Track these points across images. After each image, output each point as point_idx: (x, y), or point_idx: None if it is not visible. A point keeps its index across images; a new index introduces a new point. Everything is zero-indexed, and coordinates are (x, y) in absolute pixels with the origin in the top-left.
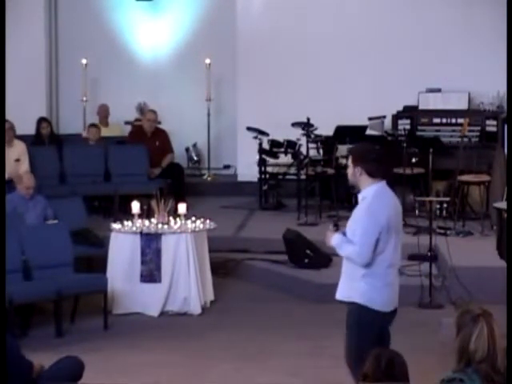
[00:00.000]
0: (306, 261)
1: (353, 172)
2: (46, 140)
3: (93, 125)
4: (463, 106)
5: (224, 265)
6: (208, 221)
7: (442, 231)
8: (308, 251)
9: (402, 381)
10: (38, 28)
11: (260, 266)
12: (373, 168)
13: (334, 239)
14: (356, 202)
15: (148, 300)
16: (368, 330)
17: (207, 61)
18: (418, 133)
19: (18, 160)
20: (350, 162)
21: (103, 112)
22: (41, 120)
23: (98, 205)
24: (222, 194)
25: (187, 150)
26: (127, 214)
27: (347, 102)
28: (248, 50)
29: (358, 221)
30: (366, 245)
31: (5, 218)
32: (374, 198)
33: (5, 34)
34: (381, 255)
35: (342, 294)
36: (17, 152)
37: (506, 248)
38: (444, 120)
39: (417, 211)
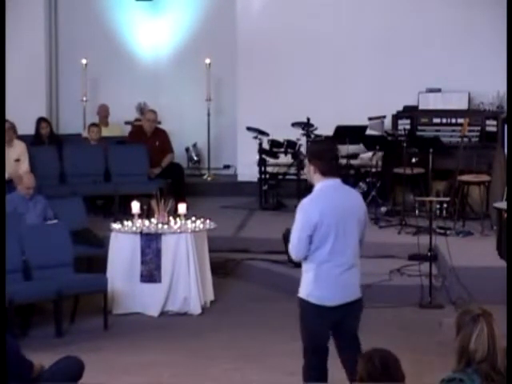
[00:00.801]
0: None
1: (308, 169)
2: (46, 140)
3: (94, 124)
4: (463, 106)
5: (224, 265)
6: (208, 221)
7: (442, 231)
8: None
9: (398, 377)
10: (38, 28)
11: (260, 266)
12: (325, 166)
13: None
14: None
15: (148, 300)
16: (309, 323)
17: (207, 61)
18: (418, 133)
19: (18, 160)
20: (306, 160)
21: (103, 112)
22: (40, 120)
23: (99, 205)
24: (221, 194)
25: (187, 150)
26: (127, 214)
27: (347, 102)
28: (248, 50)
29: (296, 217)
30: (297, 239)
31: (5, 218)
32: (313, 194)
33: (5, 34)
34: (318, 251)
35: (299, 292)
36: (17, 152)
37: (506, 248)
38: (444, 120)
39: (417, 211)
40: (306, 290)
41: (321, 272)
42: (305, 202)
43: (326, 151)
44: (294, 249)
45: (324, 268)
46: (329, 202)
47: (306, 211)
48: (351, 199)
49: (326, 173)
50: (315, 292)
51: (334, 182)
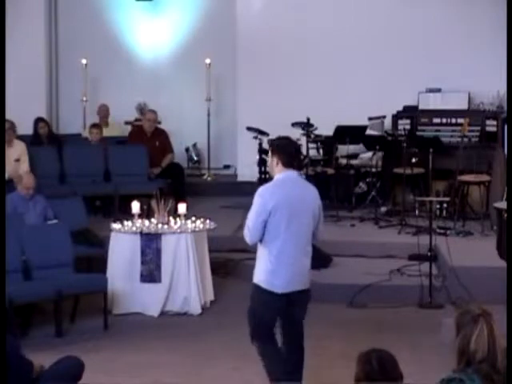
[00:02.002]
0: None
1: (271, 161)
2: (45, 140)
3: (94, 125)
4: (463, 106)
5: (224, 265)
6: (208, 221)
7: (442, 231)
8: None
9: (396, 377)
10: (38, 28)
11: None
12: (286, 158)
13: None
14: (356, 202)
15: (148, 300)
16: (259, 308)
17: (207, 61)
18: (418, 133)
19: (18, 160)
20: (269, 153)
21: (103, 112)
22: (38, 120)
23: (97, 205)
24: (221, 194)
25: (187, 149)
26: (127, 214)
27: (347, 102)
28: (248, 50)
29: (253, 202)
30: (252, 224)
31: (5, 218)
32: (271, 183)
33: (5, 34)
34: (271, 238)
35: (254, 278)
36: (17, 152)
37: (506, 248)
38: (444, 120)
39: (417, 211)
40: (258, 276)
41: (275, 259)
42: (262, 189)
43: (288, 145)
44: (249, 233)
45: (277, 255)
46: (285, 192)
47: (263, 197)
48: (307, 192)
49: (287, 164)
50: (267, 278)
51: (293, 174)
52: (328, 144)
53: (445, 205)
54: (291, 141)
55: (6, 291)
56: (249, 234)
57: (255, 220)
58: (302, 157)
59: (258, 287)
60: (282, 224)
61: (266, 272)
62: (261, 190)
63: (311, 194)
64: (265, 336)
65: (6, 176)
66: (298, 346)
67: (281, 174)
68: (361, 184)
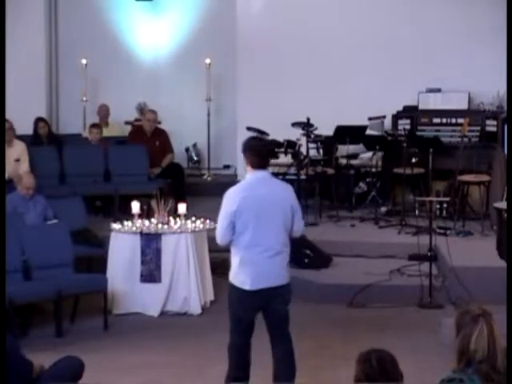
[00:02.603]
0: (306, 261)
1: (244, 162)
2: (45, 140)
3: (94, 125)
4: (463, 106)
5: (224, 265)
6: (208, 221)
7: (442, 231)
8: (308, 251)
9: (396, 376)
10: (38, 28)
11: None
12: (253, 159)
13: None
14: (356, 202)
15: (148, 300)
16: (234, 306)
17: (207, 61)
18: (418, 133)
19: (18, 160)
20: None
21: (103, 112)
22: (38, 120)
23: (98, 206)
24: (221, 194)
25: (187, 150)
26: (127, 214)
27: (347, 102)
28: (248, 50)
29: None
30: (220, 226)
31: (5, 218)
32: (239, 184)
33: (5, 35)
34: (240, 237)
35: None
36: (17, 152)
37: (506, 248)
38: (444, 120)
39: (417, 211)
40: (231, 274)
41: (243, 257)
42: (229, 191)
43: (258, 145)
44: (218, 235)
45: (246, 254)
46: (251, 192)
47: (229, 200)
48: (277, 191)
49: (255, 165)
50: (238, 276)
51: (263, 174)
52: (328, 144)
53: (445, 205)
54: (262, 141)
55: (5, 291)
56: (218, 236)
57: (222, 222)
58: (272, 157)
59: (231, 285)
60: (250, 224)
61: (236, 271)
62: (228, 192)
63: (282, 193)
64: (239, 334)
65: (6, 176)
66: (283, 344)
67: (250, 174)
68: (361, 184)
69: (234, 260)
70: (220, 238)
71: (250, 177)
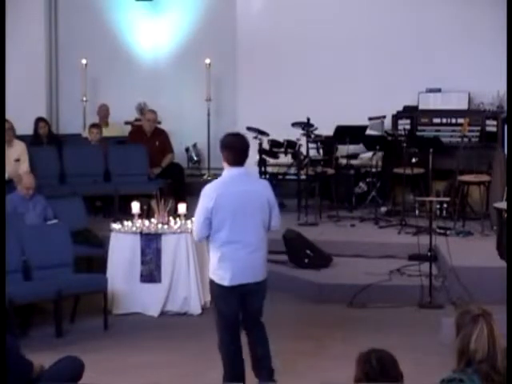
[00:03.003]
0: (306, 261)
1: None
2: (45, 140)
3: (94, 125)
4: (463, 106)
5: None
6: None
7: (442, 231)
8: (308, 251)
9: (396, 377)
10: (38, 28)
11: None
12: (229, 156)
13: None
14: (356, 202)
15: (148, 300)
16: (216, 301)
17: (207, 61)
18: (418, 133)
19: (17, 160)
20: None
21: (103, 112)
22: (38, 120)
23: (98, 206)
24: None
25: (187, 150)
26: (127, 214)
27: (347, 102)
28: (248, 50)
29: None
30: (197, 222)
31: (5, 218)
32: (216, 181)
33: (5, 34)
34: (218, 233)
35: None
36: (17, 152)
37: (506, 248)
38: (444, 120)
39: (417, 211)
40: (211, 270)
41: (221, 253)
42: (206, 188)
43: (235, 142)
44: (195, 231)
45: (224, 250)
46: (228, 188)
47: (205, 196)
48: (253, 187)
49: (232, 162)
50: (217, 272)
51: (240, 171)
52: (328, 144)
53: (445, 205)
54: (239, 137)
55: (6, 291)
56: (195, 233)
57: (199, 218)
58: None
59: (211, 281)
60: (227, 221)
61: (214, 267)
62: (205, 188)
63: (259, 189)
64: (227, 330)
65: (6, 176)
66: (257, 330)
67: (227, 171)
68: (361, 184)
69: (213, 256)
70: (196, 234)
71: (226, 173)
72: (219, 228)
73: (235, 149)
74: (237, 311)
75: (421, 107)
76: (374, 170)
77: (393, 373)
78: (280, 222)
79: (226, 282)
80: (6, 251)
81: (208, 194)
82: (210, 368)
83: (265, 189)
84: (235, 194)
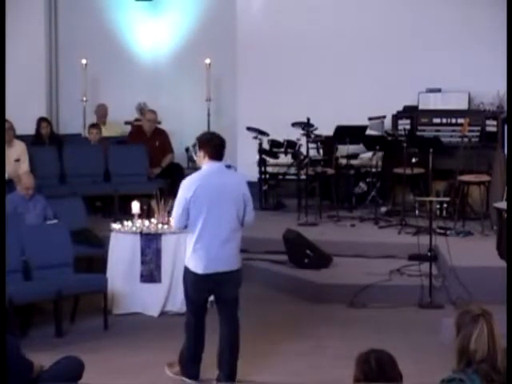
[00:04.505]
0: (306, 261)
1: (199, 155)
2: (46, 140)
3: (93, 125)
4: (463, 106)
5: None
6: None
7: (442, 231)
8: (308, 251)
9: (395, 377)
10: (38, 28)
11: (260, 266)
12: (209, 150)
13: None
14: (356, 202)
15: (148, 300)
16: (188, 288)
17: (207, 61)
18: (418, 133)
19: (17, 160)
20: (197, 147)
21: (101, 111)
22: (40, 120)
23: (98, 206)
24: None
25: (187, 150)
26: (127, 214)
27: (347, 102)
28: (248, 50)
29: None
30: (175, 212)
31: (5, 218)
32: (195, 174)
33: (5, 34)
34: (195, 223)
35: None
36: (17, 152)
37: (506, 248)
38: (444, 120)
39: (417, 211)
40: (186, 258)
41: (197, 242)
42: (185, 180)
43: (213, 139)
44: (174, 220)
45: (200, 239)
46: (207, 181)
47: (184, 188)
48: (230, 180)
49: (212, 156)
50: (192, 260)
51: (218, 165)
52: (328, 144)
53: (445, 205)
54: (216, 135)
55: (6, 291)
56: (174, 221)
57: (177, 208)
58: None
59: (185, 268)
60: (203, 211)
61: (190, 255)
62: (185, 180)
63: (235, 183)
64: (193, 314)
65: (6, 176)
66: (231, 326)
67: (207, 165)
68: (361, 184)
69: (189, 245)
70: (175, 223)
71: (206, 167)
72: (196, 218)
73: (214, 144)
74: (205, 298)
75: (421, 107)
76: (374, 170)
77: (392, 373)
78: (253, 219)
79: (199, 271)
80: (6, 251)
81: (187, 186)
82: (209, 367)
83: (241, 183)
84: (213, 185)
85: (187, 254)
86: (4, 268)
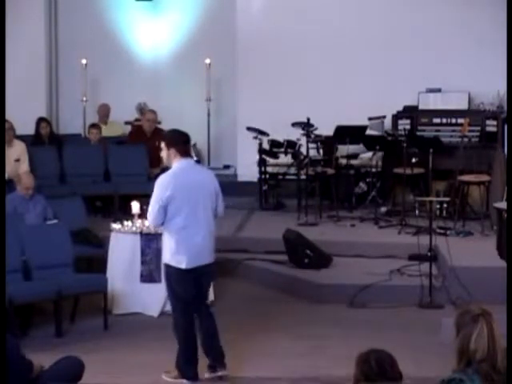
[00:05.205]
0: (306, 261)
1: (167, 154)
2: (46, 140)
3: (93, 125)
4: (463, 106)
5: (224, 265)
6: None
7: (442, 231)
8: (308, 251)
9: (395, 377)
10: (38, 28)
11: (260, 267)
12: (181, 149)
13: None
14: (356, 202)
15: (148, 300)
16: (174, 285)
17: (207, 61)
18: (418, 133)
19: (17, 160)
20: (163, 146)
21: (103, 111)
22: (40, 120)
23: (98, 206)
24: (222, 194)
25: None
26: (127, 214)
27: (347, 102)
28: (248, 50)
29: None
30: (152, 209)
31: (5, 218)
32: (170, 171)
33: (5, 34)
34: (173, 219)
35: (163, 258)
36: (17, 152)
37: (506, 248)
38: (444, 120)
39: (417, 211)
40: (167, 256)
41: (178, 238)
42: (161, 178)
43: (180, 136)
44: (151, 217)
45: (181, 235)
46: (183, 178)
47: (161, 185)
48: (203, 176)
49: (182, 154)
50: (175, 256)
51: (188, 162)
52: (328, 144)
53: (445, 205)
54: (182, 132)
55: (6, 291)
56: (150, 219)
57: (154, 206)
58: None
59: (167, 266)
60: (182, 208)
61: (171, 252)
62: (160, 178)
63: (207, 177)
64: (181, 313)
65: (6, 176)
66: (208, 314)
67: (179, 163)
68: (361, 184)
69: (170, 242)
70: (152, 221)
71: (179, 165)
72: (175, 215)
73: (183, 141)
74: (193, 293)
75: (421, 107)
76: (374, 170)
77: (392, 373)
78: (223, 209)
79: (183, 265)
80: (6, 251)
81: (164, 184)
82: (205, 368)
83: (212, 178)
84: (189, 183)
85: (168, 251)
86: (4, 268)
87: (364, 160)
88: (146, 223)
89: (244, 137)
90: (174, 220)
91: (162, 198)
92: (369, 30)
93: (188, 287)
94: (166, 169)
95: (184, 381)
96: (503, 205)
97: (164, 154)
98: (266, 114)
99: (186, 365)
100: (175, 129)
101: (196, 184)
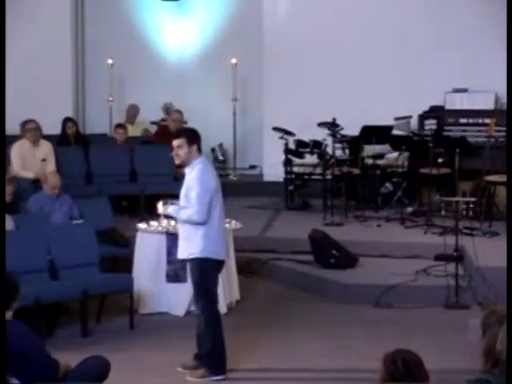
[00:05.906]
0: (332, 261)
1: (189, 150)
2: (72, 140)
3: (119, 125)
4: (490, 105)
5: (250, 264)
6: (233, 221)
7: (469, 231)
8: (334, 251)
9: (421, 377)
10: (65, 28)
11: (286, 266)
12: (200, 146)
13: (171, 209)
14: (382, 202)
15: (174, 300)
16: (210, 278)
17: (233, 61)
18: (445, 133)
19: (44, 160)
20: (183, 143)
21: (132, 111)
22: (66, 120)
23: (124, 206)
24: (247, 194)
25: (213, 150)
26: (153, 214)
27: (373, 102)
28: (274, 50)
29: (193, 188)
30: (201, 205)
31: (5, 218)
32: (202, 167)
33: (5, 34)
34: (213, 211)
35: (182, 254)
36: (43, 152)
37: (507, 248)
38: (471, 120)
39: (443, 211)
40: (206, 249)
41: (219, 229)
42: (201, 172)
43: (198, 134)
44: (199, 214)
45: (220, 226)
46: (213, 173)
47: (205, 180)
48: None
49: (200, 151)
50: (215, 249)
51: (206, 158)
52: (354, 144)
53: (471, 205)
54: (194, 129)
55: (32, 290)
56: (199, 216)
57: (203, 201)
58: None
59: (202, 260)
60: (217, 203)
61: (212, 245)
62: (201, 172)
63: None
64: (215, 306)
65: (33, 176)
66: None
67: (202, 158)
68: (387, 184)
69: (209, 233)
70: (202, 216)
71: (203, 160)
72: (215, 206)
73: (200, 138)
74: (217, 286)
75: (447, 107)
76: (400, 170)
77: (418, 373)
78: None
79: (222, 257)
80: (33, 251)
81: (207, 178)
82: (235, 367)
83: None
84: (215, 178)
85: (207, 244)
86: (4, 268)
87: (390, 160)
88: (172, 223)
89: (270, 137)
90: (213, 211)
91: (211, 190)
92: (395, 30)
93: (217, 280)
94: (180, 166)
95: (215, 377)
96: None
97: (185, 150)
98: (292, 113)
99: (223, 359)
100: (185, 127)
101: (218, 180)
